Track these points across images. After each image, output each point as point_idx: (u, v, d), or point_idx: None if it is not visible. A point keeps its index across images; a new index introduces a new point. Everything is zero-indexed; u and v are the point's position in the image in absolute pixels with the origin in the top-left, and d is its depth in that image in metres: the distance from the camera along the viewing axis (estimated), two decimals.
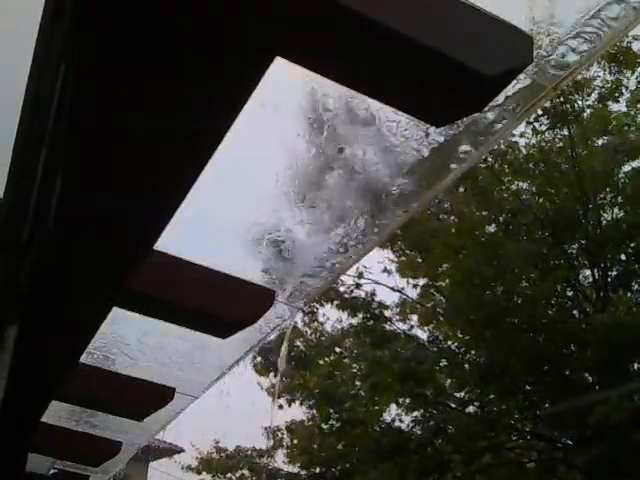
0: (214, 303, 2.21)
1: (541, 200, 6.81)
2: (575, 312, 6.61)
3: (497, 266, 6.01)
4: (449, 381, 6.85)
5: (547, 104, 6.30)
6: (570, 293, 6.76)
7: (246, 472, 6.47)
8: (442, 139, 1.14)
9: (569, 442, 5.88)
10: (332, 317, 8.12)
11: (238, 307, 2.22)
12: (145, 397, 3.18)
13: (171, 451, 19.51)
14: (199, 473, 6.48)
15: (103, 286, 1.42)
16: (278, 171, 1.59)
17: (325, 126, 1.30)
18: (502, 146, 6.49)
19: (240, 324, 2.28)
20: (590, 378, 5.91)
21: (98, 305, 1.52)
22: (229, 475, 6.53)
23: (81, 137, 0.90)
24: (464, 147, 1.14)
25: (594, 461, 4.67)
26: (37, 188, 1.16)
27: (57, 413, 3.53)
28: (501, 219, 6.75)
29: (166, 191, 1.01)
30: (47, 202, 1.11)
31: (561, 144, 6.77)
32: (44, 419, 3.46)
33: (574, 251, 6.73)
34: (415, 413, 6.60)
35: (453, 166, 1.20)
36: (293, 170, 1.58)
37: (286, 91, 1.18)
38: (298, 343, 7.97)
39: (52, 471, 4.51)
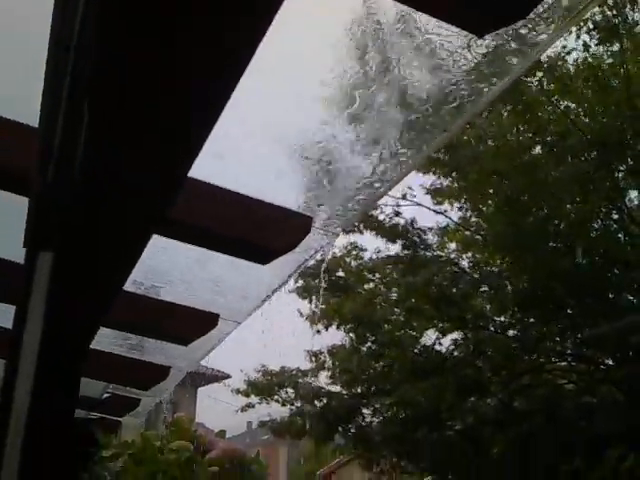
0: (253, 230, 2.22)
1: (588, 119, 6.57)
2: (620, 235, 6.48)
3: (540, 190, 5.87)
4: (489, 306, 6.87)
5: (599, 17, 5.97)
6: (616, 216, 6.60)
7: (290, 390, 6.69)
8: (485, 51, 1.09)
9: (610, 363, 5.89)
10: (371, 247, 8.16)
11: (277, 234, 2.23)
12: (190, 323, 3.27)
13: (218, 377, 20.28)
14: (247, 395, 6.74)
15: (140, 214, 1.43)
16: (315, 95, 1.55)
17: (370, 41, 1.25)
18: (549, 62, 6.23)
19: (279, 250, 2.29)
20: (633, 300, 5.84)
21: (137, 233, 1.53)
22: (275, 396, 6.77)
23: (108, 59, 0.88)
24: (508, 58, 1.08)
25: (635, 380, 4.68)
26: (64, 117, 1.16)
27: (107, 340, 3.67)
28: (547, 140, 6.56)
29: (200, 111, 0.99)
30: (78, 131, 1.11)
31: (612, 60, 6.45)
32: (95, 346, 3.60)
33: (621, 173, 6.53)
34: (453, 336, 6.67)
35: (496, 80, 1.15)
36: (332, 92, 1.53)
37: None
38: (339, 272, 8.07)
39: (105, 395, 4.73)
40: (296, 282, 8.43)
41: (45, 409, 2.14)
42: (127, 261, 1.63)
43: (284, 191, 2.34)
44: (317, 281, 7.68)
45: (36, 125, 1.32)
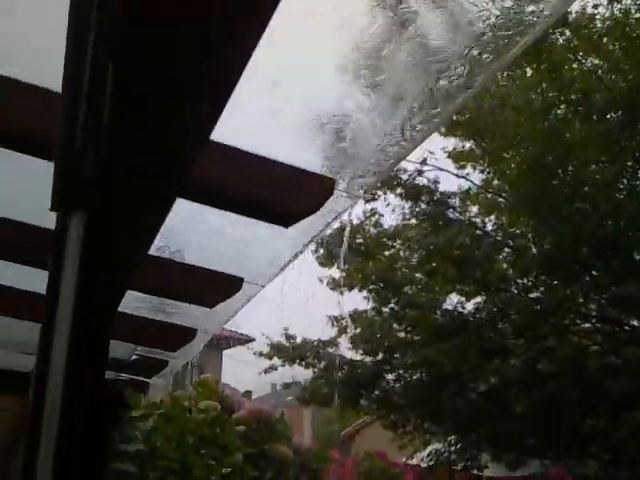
0: (276, 193, 2.23)
1: (615, 77, 6.40)
2: None
3: (565, 151, 5.77)
4: (511, 270, 6.84)
5: None
6: None
7: (313, 360, 6.79)
8: (511, 4, 1.07)
9: (635, 324, 5.86)
10: (390, 214, 8.13)
11: (299, 196, 2.24)
12: (215, 286, 3.32)
13: (243, 340, 20.59)
14: (270, 358, 6.84)
15: (164, 177, 1.45)
16: (338, 51, 1.54)
17: None
18: (575, 17, 6.05)
19: (302, 213, 2.30)
20: None
21: (161, 196, 1.55)
22: (298, 360, 6.86)
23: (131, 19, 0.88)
24: (531, 8, 1.06)
25: None
26: (89, 77, 1.16)
27: (135, 303, 3.74)
28: (572, 99, 6.41)
29: (221, 69, 0.99)
30: (102, 96, 1.12)
31: None
32: (123, 309, 3.68)
33: None
34: (476, 300, 6.67)
35: (521, 34, 1.13)
36: (354, 49, 1.52)
37: None
38: (358, 239, 8.07)
39: (133, 357, 4.84)
40: (316, 251, 8.48)
41: (78, 371, 2.21)
42: (153, 223, 1.66)
43: (305, 154, 2.34)
44: (338, 249, 7.70)
45: (59, 90, 1.33)
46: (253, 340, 19.59)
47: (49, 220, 1.71)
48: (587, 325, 6.67)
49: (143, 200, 1.56)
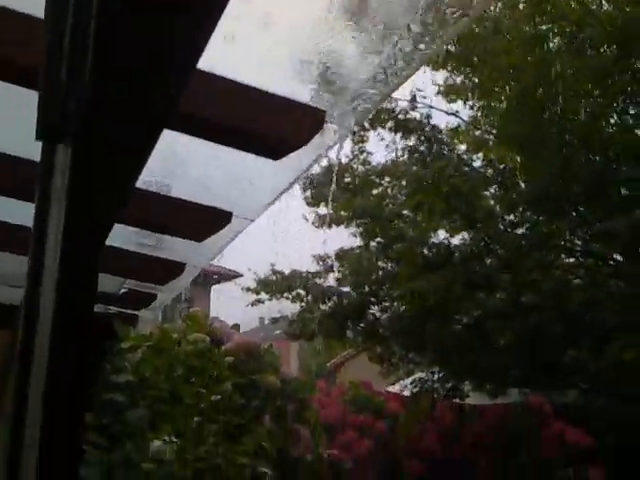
0: (265, 124, 2.19)
1: (609, 9, 6.26)
2: (637, 132, 6.34)
3: (556, 84, 5.68)
4: (498, 206, 6.86)
5: None
6: (632, 111, 6.43)
7: (301, 291, 6.84)
8: None
9: (619, 258, 5.95)
10: (380, 152, 8.06)
11: (289, 127, 2.20)
12: (204, 220, 3.31)
13: (231, 276, 20.78)
14: (257, 293, 6.90)
15: (149, 106, 1.41)
16: None
17: None
18: None
19: (292, 145, 2.27)
20: None
21: (147, 127, 1.51)
22: (285, 294, 6.92)
23: None
24: None
25: None
26: (73, 6, 1.12)
27: (124, 237, 3.73)
28: (564, 31, 6.28)
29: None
30: (87, 21, 1.08)
31: None
32: (112, 243, 3.67)
33: None
34: (463, 235, 6.71)
35: None
36: None
37: None
38: (347, 178, 8.03)
39: (122, 291, 4.86)
40: (304, 191, 8.46)
41: (67, 304, 2.21)
42: (140, 155, 1.63)
43: (295, 86, 2.29)
44: (325, 189, 7.68)
45: (41, 16, 1.28)
46: (241, 276, 19.75)
47: (35, 152, 1.68)
48: (571, 260, 6.77)
49: (129, 131, 1.52)
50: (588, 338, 5.71)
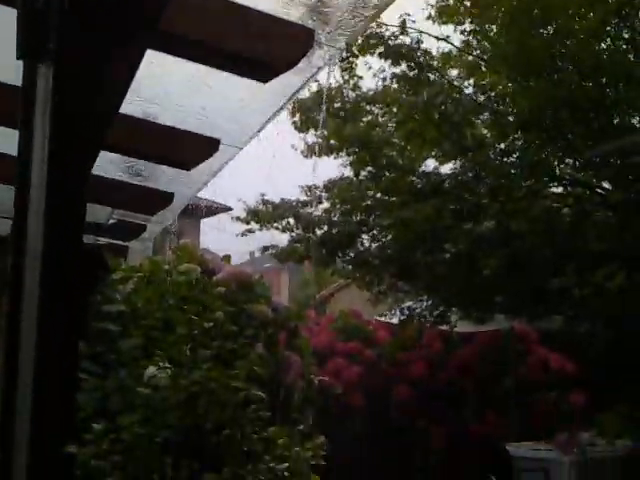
0: (253, 44, 2.13)
1: None
2: (630, 56, 6.22)
3: (550, 3, 5.52)
4: (489, 134, 6.80)
5: None
6: (626, 35, 6.30)
7: (291, 220, 6.83)
8: None
9: (607, 187, 5.97)
10: (371, 80, 7.90)
11: (278, 48, 2.15)
12: (192, 148, 3.27)
13: (220, 209, 20.73)
14: (247, 223, 6.89)
15: (133, 25, 1.36)
16: None
17: None
18: None
19: (281, 66, 2.22)
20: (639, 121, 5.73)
21: (131, 47, 1.47)
22: (275, 224, 6.92)
23: None
24: None
25: (631, 203, 4.77)
26: None
27: (112, 166, 3.69)
28: None
29: None
30: None
31: None
32: (100, 172, 3.63)
33: None
34: (453, 164, 6.68)
35: None
36: None
37: None
38: (337, 104, 7.89)
39: (111, 221, 4.84)
40: (292, 115, 8.31)
41: (56, 232, 2.20)
42: (126, 71, 1.58)
43: (283, 4, 2.22)
44: (315, 114, 7.56)
45: None
46: (230, 209, 19.71)
47: (18, 77, 1.63)
48: (560, 189, 6.79)
49: (112, 48, 1.47)
50: (574, 266, 5.80)
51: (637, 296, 6.42)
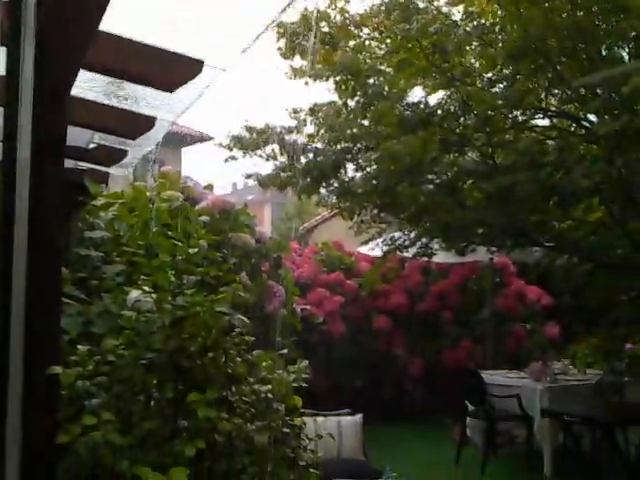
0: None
1: None
2: None
3: None
4: (478, 63, 6.67)
5: None
6: None
7: (276, 148, 6.74)
8: None
9: (592, 119, 5.94)
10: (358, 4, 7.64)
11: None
12: (174, 69, 3.19)
13: (202, 138, 20.45)
14: (230, 149, 6.78)
15: None
16: None
17: None
18: None
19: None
20: (628, 52, 5.62)
21: None
22: (259, 151, 6.83)
23: None
24: None
25: (616, 135, 4.76)
26: None
27: (92, 87, 3.59)
28: None
29: None
30: None
31: None
32: (79, 94, 3.53)
33: None
34: (441, 95, 6.58)
35: None
36: None
37: None
38: (323, 28, 7.67)
39: (92, 145, 4.74)
40: (277, 40, 8.09)
41: (40, 153, 2.17)
42: None
43: None
44: (301, 38, 7.34)
45: None
46: (212, 138, 19.42)
47: None
48: (545, 121, 6.75)
49: None
50: (556, 199, 5.84)
51: (616, 230, 6.53)
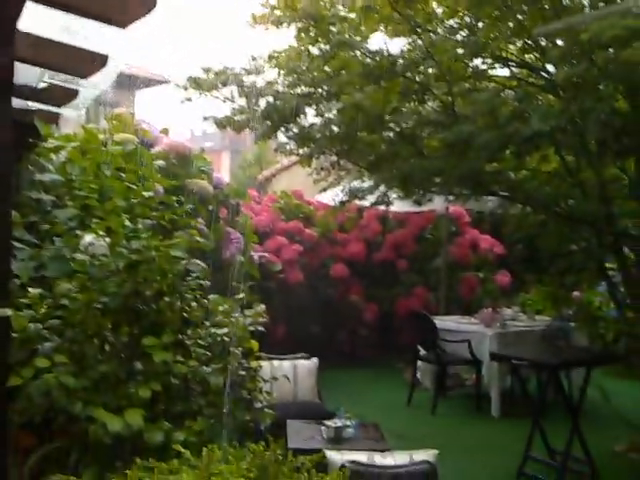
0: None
1: None
2: None
3: None
4: (441, 10, 6.57)
5: None
6: None
7: (234, 90, 6.55)
8: None
9: (551, 69, 5.96)
10: None
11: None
12: (128, 3, 3.08)
13: (157, 81, 19.84)
14: (185, 89, 6.59)
15: None
16: None
17: None
18: None
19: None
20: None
21: None
22: (216, 94, 6.65)
23: None
24: None
25: (575, 83, 4.79)
26: None
27: (40, 22, 3.44)
28: None
29: None
30: None
31: None
32: (29, 29, 3.37)
33: None
34: (404, 41, 6.48)
35: None
36: None
37: None
38: None
39: (42, 85, 4.55)
40: None
41: None
42: None
43: None
44: None
45: None
46: (167, 82, 18.87)
47: None
48: (506, 72, 6.76)
49: None
50: (513, 149, 5.90)
51: (569, 180, 6.66)
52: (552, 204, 6.28)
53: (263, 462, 2.56)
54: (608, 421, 7.27)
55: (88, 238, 3.45)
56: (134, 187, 3.87)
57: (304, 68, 6.17)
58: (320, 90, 6.10)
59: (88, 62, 3.91)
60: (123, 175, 4.35)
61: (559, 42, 5.23)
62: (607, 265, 7.15)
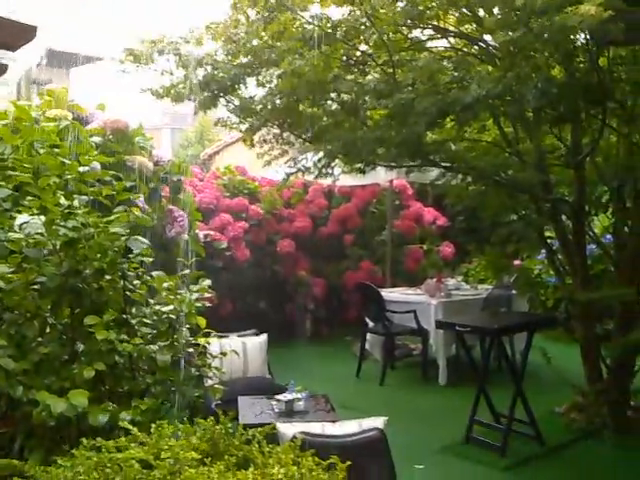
0: None
1: None
2: None
3: None
4: None
5: None
6: None
7: (172, 60, 6.32)
8: None
9: (491, 43, 6.03)
10: None
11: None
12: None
13: (91, 58, 19.17)
14: (122, 62, 6.36)
15: None
16: None
17: None
18: None
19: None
20: None
21: None
22: (154, 67, 6.44)
23: None
24: None
25: (511, 51, 4.85)
26: None
27: None
28: None
29: None
30: None
31: None
32: None
33: None
34: (345, 10, 6.41)
35: None
36: None
37: None
38: None
39: None
40: None
41: None
42: None
43: None
44: None
45: None
46: (101, 59, 18.25)
47: None
48: (444, 42, 6.79)
49: None
50: (453, 118, 5.96)
51: (507, 150, 6.79)
52: (491, 174, 6.40)
53: (213, 436, 2.54)
54: (550, 384, 7.55)
55: (23, 218, 3.31)
56: (68, 162, 3.73)
57: (243, 35, 6.03)
58: (260, 58, 5.97)
59: (16, 33, 3.73)
60: (58, 151, 4.19)
61: (495, 11, 5.29)
62: (547, 234, 7.35)
